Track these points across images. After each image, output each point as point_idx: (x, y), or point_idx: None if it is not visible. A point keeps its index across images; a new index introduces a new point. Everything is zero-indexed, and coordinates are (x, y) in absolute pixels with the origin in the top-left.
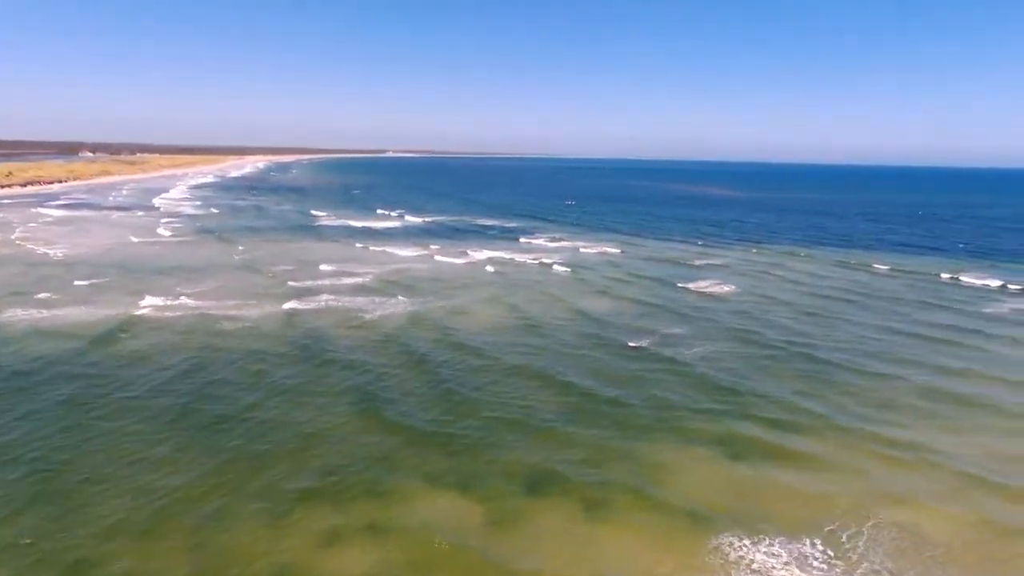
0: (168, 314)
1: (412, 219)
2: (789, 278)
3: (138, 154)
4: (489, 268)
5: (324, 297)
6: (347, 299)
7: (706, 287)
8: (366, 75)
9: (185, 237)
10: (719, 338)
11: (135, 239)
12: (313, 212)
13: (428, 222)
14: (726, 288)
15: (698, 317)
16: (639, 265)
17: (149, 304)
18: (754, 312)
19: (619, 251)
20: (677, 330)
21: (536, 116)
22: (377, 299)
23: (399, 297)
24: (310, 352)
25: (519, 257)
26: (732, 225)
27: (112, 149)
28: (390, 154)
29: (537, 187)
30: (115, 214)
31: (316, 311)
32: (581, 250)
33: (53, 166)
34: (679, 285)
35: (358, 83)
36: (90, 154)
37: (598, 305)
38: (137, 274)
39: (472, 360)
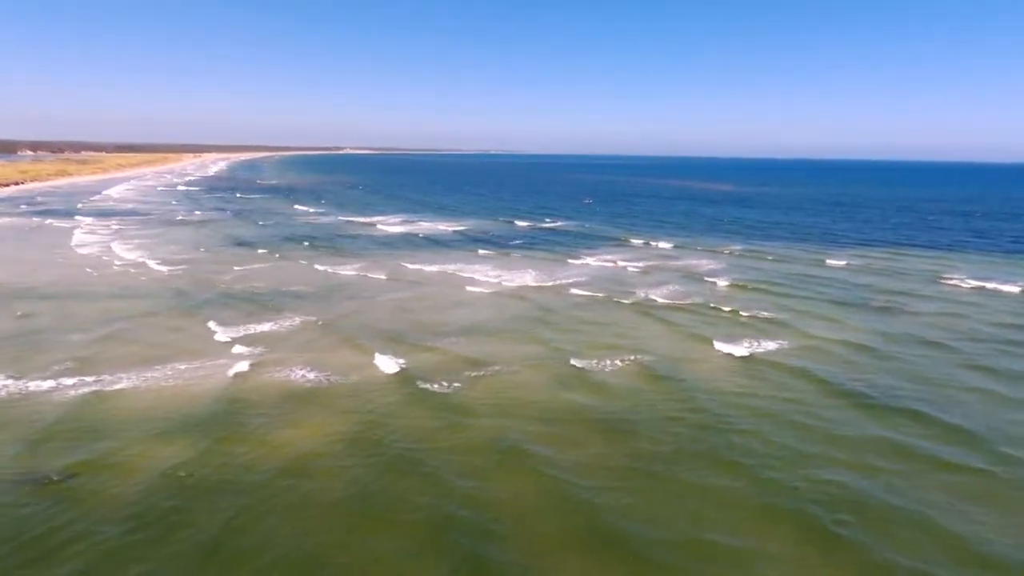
0: (28, 398)
1: (416, 227)
2: (978, 316)
3: (83, 152)
4: (565, 304)
5: (302, 372)
6: (331, 371)
7: (903, 329)
8: (321, 73)
9: (151, 260)
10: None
11: (60, 259)
12: (306, 220)
13: (446, 231)
14: (930, 328)
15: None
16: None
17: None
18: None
19: (719, 264)
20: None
21: (489, 114)
22: (359, 369)
23: (400, 371)
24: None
25: (605, 280)
26: (785, 227)
27: (54, 147)
28: (347, 151)
29: (534, 185)
30: (48, 223)
31: (263, 391)
32: (671, 265)
33: None
34: (895, 331)
35: (313, 82)
36: (30, 153)
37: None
38: (45, 324)
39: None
